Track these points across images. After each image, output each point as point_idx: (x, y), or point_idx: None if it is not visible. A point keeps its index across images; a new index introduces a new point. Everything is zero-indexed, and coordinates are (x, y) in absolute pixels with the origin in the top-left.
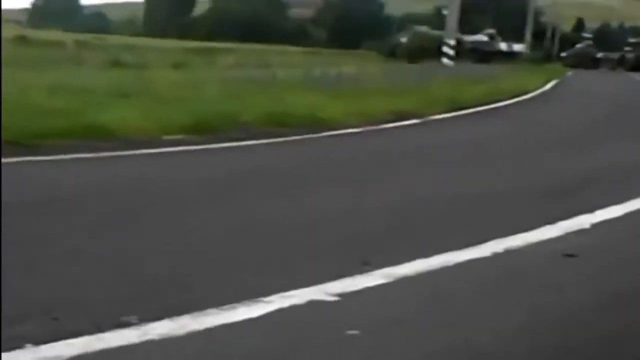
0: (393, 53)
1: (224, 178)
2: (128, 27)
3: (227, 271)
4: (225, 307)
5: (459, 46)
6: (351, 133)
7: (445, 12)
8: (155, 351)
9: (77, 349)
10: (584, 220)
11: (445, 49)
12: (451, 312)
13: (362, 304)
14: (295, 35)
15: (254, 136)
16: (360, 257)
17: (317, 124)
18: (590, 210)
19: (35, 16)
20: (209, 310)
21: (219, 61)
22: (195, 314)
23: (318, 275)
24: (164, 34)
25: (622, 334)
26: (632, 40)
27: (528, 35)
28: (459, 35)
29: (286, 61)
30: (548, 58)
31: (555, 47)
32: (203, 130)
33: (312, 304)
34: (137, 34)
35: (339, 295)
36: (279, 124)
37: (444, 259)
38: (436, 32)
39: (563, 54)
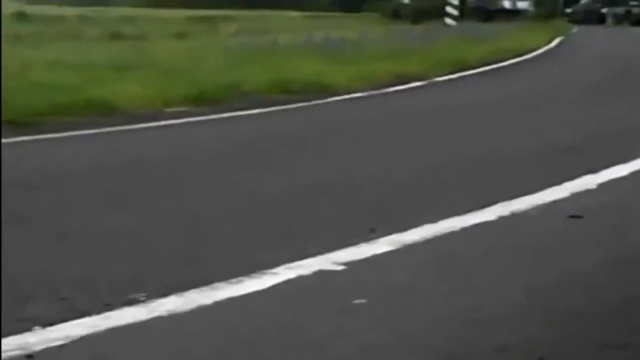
0: (397, 14)
1: (227, 149)
2: None
3: (233, 244)
4: (232, 280)
5: (463, 5)
6: (355, 98)
7: None
8: (164, 327)
9: (86, 328)
10: (590, 181)
11: (448, 9)
12: (459, 278)
13: (369, 272)
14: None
15: (257, 104)
16: (366, 225)
17: (321, 90)
18: (596, 170)
19: None
20: (216, 285)
21: (220, 29)
22: (203, 288)
23: (324, 245)
24: (164, 4)
25: (630, 296)
26: None
27: None
28: None
29: (288, 26)
30: (553, 15)
31: (559, 4)
32: (206, 101)
33: (319, 274)
34: (137, 5)
35: (346, 264)
36: (282, 91)
37: (450, 224)
38: None
39: (568, 10)
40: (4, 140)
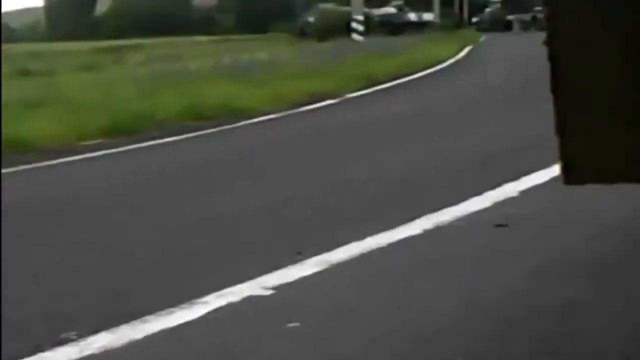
0: (303, 33)
1: (146, 179)
2: (32, 33)
3: (160, 275)
4: (162, 312)
5: (368, 21)
6: (269, 119)
7: None
8: None
9: None
10: (511, 189)
11: (354, 24)
12: (392, 294)
13: (300, 295)
14: (202, 24)
15: (172, 132)
16: (293, 247)
17: (234, 114)
18: (516, 177)
19: None
20: (147, 317)
21: (128, 59)
22: (134, 322)
23: (252, 270)
24: (69, 37)
25: (565, 302)
26: None
27: (436, 4)
28: (367, 10)
29: (196, 52)
30: (459, 24)
31: (465, 13)
32: (120, 132)
33: (249, 300)
34: (41, 40)
35: (275, 288)
36: (195, 118)
37: (376, 240)
38: (344, 8)
39: (474, 19)
40: None
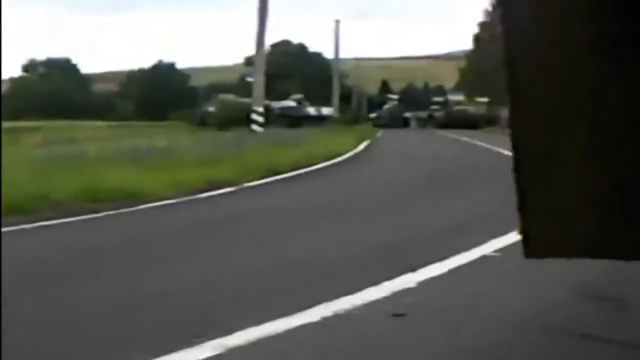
0: (203, 122)
1: (35, 259)
2: None
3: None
4: None
5: (268, 113)
6: (166, 205)
7: (249, 79)
8: None
9: None
10: (409, 279)
11: (254, 116)
12: None
13: None
14: (101, 109)
15: (68, 214)
16: (190, 330)
17: (132, 198)
18: (414, 269)
19: None
20: None
21: (25, 141)
22: None
23: (148, 352)
24: None
25: None
26: (438, 99)
27: (335, 99)
28: (267, 102)
29: (94, 136)
30: (357, 120)
31: (363, 109)
32: (15, 211)
33: None
34: None
35: None
36: (92, 200)
37: (274, 326)
38: (244, 100)
39: (372, 115)
40: None
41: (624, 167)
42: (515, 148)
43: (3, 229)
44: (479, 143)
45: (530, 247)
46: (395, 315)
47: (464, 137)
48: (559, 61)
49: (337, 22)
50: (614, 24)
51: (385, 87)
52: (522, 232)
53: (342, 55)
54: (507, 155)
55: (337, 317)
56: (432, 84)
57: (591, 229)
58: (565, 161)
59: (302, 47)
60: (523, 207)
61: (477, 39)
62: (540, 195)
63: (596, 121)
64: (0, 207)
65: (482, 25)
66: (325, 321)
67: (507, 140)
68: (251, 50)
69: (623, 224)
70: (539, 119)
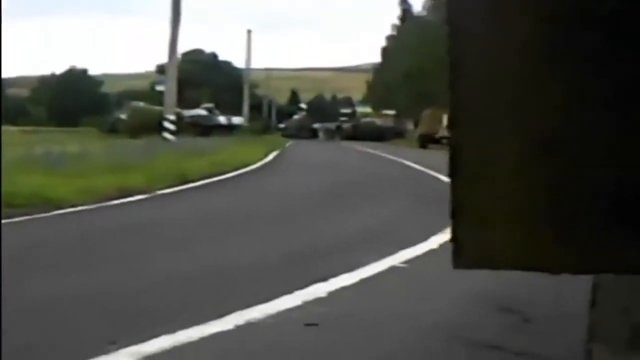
0: (114, 129)
1: None
2: None
3: None
4: None
5: (179, 121)
6: (79, 211)
7: (159, 88)
8: None
9: None
10: (320, 289)
11: (166, 124)
12: None
13: None
14: (13, 114)
15: None
16: (106, 337)
17: (43, 204)
18: (325, 278)
19: None
20: None
21: None
22: None
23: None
24: None
25: None
26: (345, 110)
27: (245, 108)
28: (178, 110)
29: (6, 140)
30: (267, 129)
31: (272, 119)
32: None
33: None
34: None
35: None
36: (6, 205)
37: (188, 334)
38: (156, 108)
39: (281, 125)
40: None
41: (559, 178)
42: (453, 151)
43: None
44: (384, 155)
45: (461, 256)
46: (307, 324)
47: (371, 149)
48: (496, 62)
49: (249, 32)
50: (548, 24)
51: (294, 97)
52: (454, 240)
53: (253, 65)
54: (411, 167)
55: (250, 325)
56: (340, 96)
57: (522, 241)
58: (501, 168)
59: (213, 56)
60: (457, 214)
61: (384, 51)
62: (474, 202)
63: (533, 127)
64: None
65: (390, 38)
66: (238, 329)
67: (412, 153)
68: (163, 58)
69: (553, 237)
70: (478, 121)
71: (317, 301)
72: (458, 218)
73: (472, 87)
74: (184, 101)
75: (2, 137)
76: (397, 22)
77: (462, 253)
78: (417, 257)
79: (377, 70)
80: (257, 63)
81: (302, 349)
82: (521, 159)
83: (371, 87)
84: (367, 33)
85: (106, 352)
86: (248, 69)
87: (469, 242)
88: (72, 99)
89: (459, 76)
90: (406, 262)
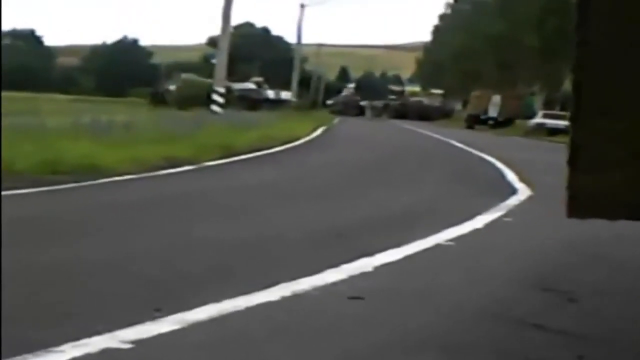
0: (163, 100)
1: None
2: None
3: (16, 321)
4: (17, 359)
5: (228, 94)
6: (126, 180)
7: (213, 61)
8: None
9: None
10: (366, 263)
11: (215, 96)
12: (247, 357)
13: (156, 351)
14: (62, 83)
15: (29, 184)
16: (151, 304)
17: (92, 171)
18: (371, 253)
19: None
20: None
21: None
22: None
23: (110, 323)
24: None
25: None
26: (394, 88)
27: (294, 84)
28: (228, 84)
29: (55, 109)
30: (314, 105)
31: (320, 95)
32: None
33: (106, 352)
34: None
35: (133, 342)
36: (52, 172)
37: (234, 303)
38: (205, 80)
39: (329, 102)
40: None
41: None
42: (576, 97)
43: None
44: (431, 134)
45: (576, 204)
46: (351, 297)
47: (417, 127)
48: (633, 16)
49: (302, 6)
50: None
51: (343, 74)
52: (570, 187)
53: (304, 40)
54: (459, 147)
55: (295, 296)
56: (390, 74)
57: None
58: (623, 114)
59: (264, 30)
60: (574, 160)
61: (436, 29)
62: (593, 149)
63: None
64: None
65: (443, 16)
66: (284, 300)
67: (459, 133)
68: (215, 31)
69: None
70: (604, 70)
71: (362, 275)
72: (575, 164)
73: (603, 34)
74: (233, 74)
75: (52, 106)
76: (451, 0)
77: (577, 202)
78: (463, 236)
79: (428, 49)
80: (308, 38)
81: (341, 321)
82: None
83: (421, 65)
84: (420, 10)
85: (153, 318)
86: (299, 44)
87: (584, 189)
88: (122, 69)
89: (590, 24)
90: (451, 240)
